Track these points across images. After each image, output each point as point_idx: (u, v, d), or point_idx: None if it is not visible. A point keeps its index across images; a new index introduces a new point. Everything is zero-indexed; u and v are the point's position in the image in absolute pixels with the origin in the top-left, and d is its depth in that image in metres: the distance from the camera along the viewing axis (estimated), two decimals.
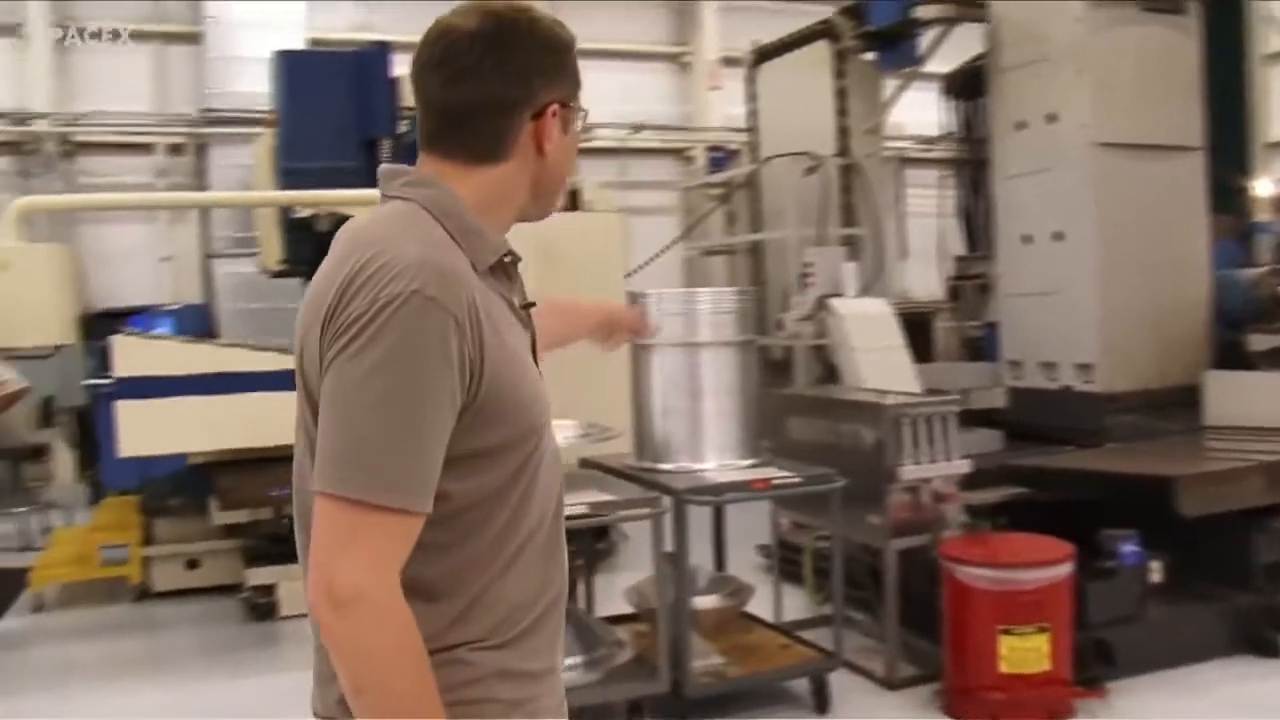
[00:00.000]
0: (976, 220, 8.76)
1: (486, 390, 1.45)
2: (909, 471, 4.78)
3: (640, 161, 12.43)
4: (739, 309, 4.85)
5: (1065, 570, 4.37)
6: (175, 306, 9.81)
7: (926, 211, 10.41)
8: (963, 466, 4.96)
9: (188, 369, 5.62)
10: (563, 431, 4.82)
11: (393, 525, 1.38)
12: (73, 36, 10.31)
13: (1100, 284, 6.90)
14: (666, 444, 4.81)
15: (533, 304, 1.69)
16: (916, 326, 10.86)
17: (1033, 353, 7.40)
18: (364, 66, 7.35)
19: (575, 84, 1.65)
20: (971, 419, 7.73)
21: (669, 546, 4.38)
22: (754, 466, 4.74)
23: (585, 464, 5.09)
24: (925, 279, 10.91)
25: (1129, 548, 4.77)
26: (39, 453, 8.52)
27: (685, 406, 4.77)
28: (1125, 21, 6.97)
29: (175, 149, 10.80)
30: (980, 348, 8.57)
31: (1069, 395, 7.06)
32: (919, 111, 9.92)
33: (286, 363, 5.95)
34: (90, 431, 7.39)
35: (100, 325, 8.52)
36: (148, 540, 6.65)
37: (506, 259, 1.60)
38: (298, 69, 7.25)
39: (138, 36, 10.81)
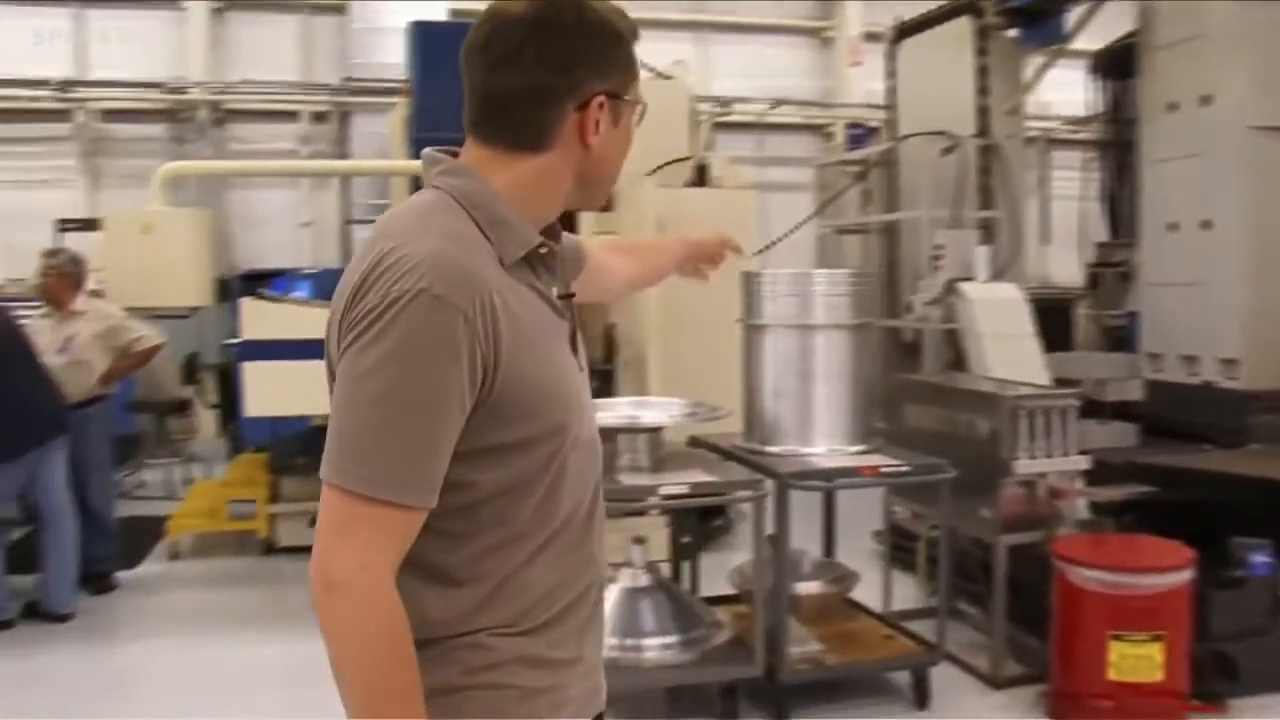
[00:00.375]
0: (1121, 205, 8.42)
1: (504, 386, 1.44)
2: (1023, 465, 4.62)
3: (779, 137, 12.28)
4: (855, 292, 4.74)
5: (1184, 577, 4.17)
6: (314, 270, 10.11)
7: (1072, 195, 10.06)
8: (1081, 462, 4.78)
9: (312, 333, 5.77)
10: (670, 409, 4.84)
11: (387, 518, 1.39)
12: (225, 7, 10.73)
13: (1249, 276, 6.55)
14: (775, 426, 4.75)
15: (572, 294, 1.68)
16: (1055, 314, 10.56)
17: (1174, 345, 7.08)
18: None
19: (628, 75, 1.59)
20: (1106, 412, 7.48)
21: (774, 530, 4.34)
22: (863, 453, 4.64)
23: (695, 442, 5.07)
24: (1067, 265, 10.55)
25: (1260, 557, 4.52)
26: (183, 408, 8.90)
27: (796, 389, 4.70)
28: None
29: (319, 117, 11.10)
30: (1122, 338, 8.25)
31: (1210, 391, 6.74)
32: (1067, 91, 9.59)
33: None
34: (229, 389, 7.70)
35: (244, 286, 8.88)
36: (274, 497, 6.89)
37: (542, 250, 1.57)
38: (431, 40, 7.35)
39: (286, 8, 11.17)
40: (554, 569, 1.57)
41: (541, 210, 1.59)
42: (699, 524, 7.09)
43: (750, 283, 4.84)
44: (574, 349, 1.63)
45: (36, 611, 5.78)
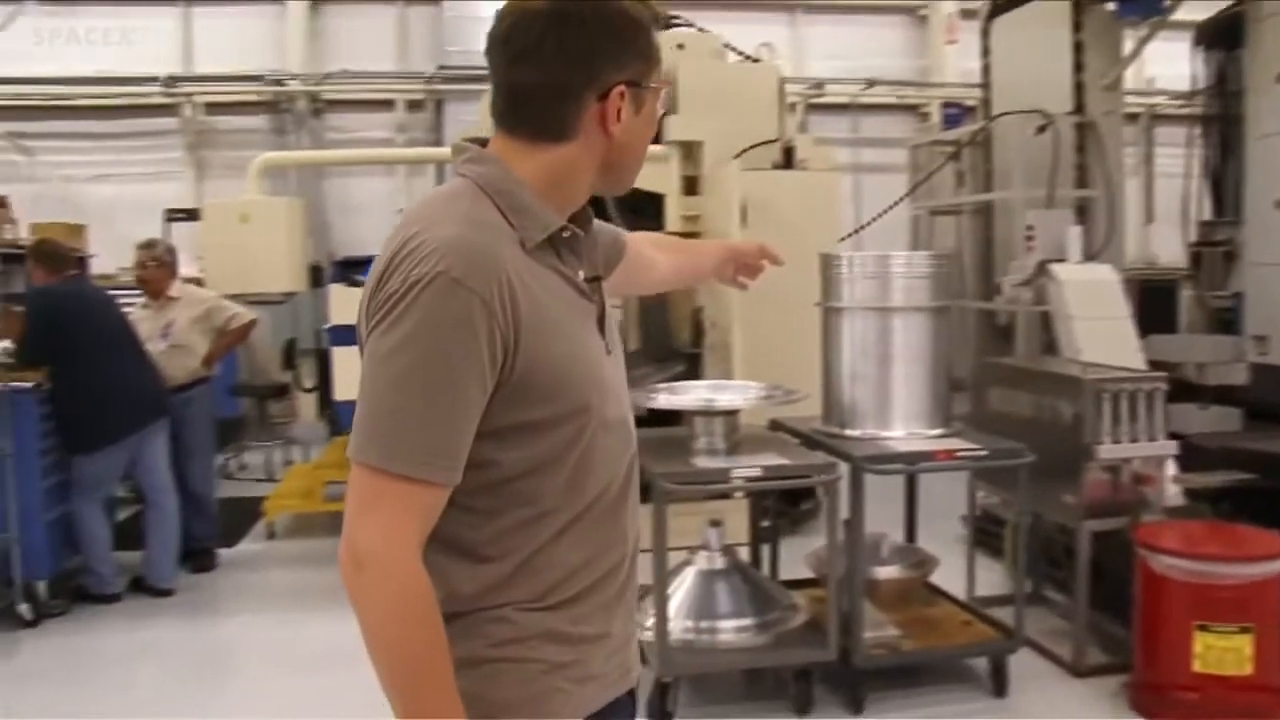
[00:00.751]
0: (1226, 182, 8.14)
1: (525, 366, 1.48)
2: (1107, 450, 4.52)
3: (873, 118, 12.12)
4: (934, 274, 4.68)
5: (1276, 567, 4.04)
6: None
7: (1177, 172, 9.73)
8: (1167, 447, 4.65)
9: None
10: (746, 392, 4.84)
11: (410, 494, 1.44)
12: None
13: None
14: (853, 409, 4.71)
15: (598, 277, 1.70)
16: (1159, 295, 10.29)
17: None
18: None
19: (648, 62, 1.61)
20: (1208, 396, 7.27)
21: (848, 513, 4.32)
22: (942, 437, 4.59)
23: (775, 425, 5.06)
24: (1171, 244, 10.25)
25: None
26: (283, 392, 9.15)
27: (874, 372, 4.66)
28: None
29: (414, 105, 11.28)
30: (1229, 320, 7.97)
31: None
32: (1173, 65, 9.29)
33: None
34: (326, 373, 7.89)
35: (340, 273, 9.09)
36: None
37: (565, 234, 1.60)
38: None
39: None
40: (580, 547, 1.61)
41: (567, 197, 1.62)
42: (788, 507, 7.11)
43: (828, 265, 4.81)
44: (602, 331, 1.66)
45: (142, 586, 6.04)
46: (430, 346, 1.42)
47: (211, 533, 6.59)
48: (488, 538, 1.55)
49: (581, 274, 1.64)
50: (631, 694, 1.79)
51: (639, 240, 2.19)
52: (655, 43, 1.62)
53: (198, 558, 6.46)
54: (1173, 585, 4.08)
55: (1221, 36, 8.07)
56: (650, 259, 2.23)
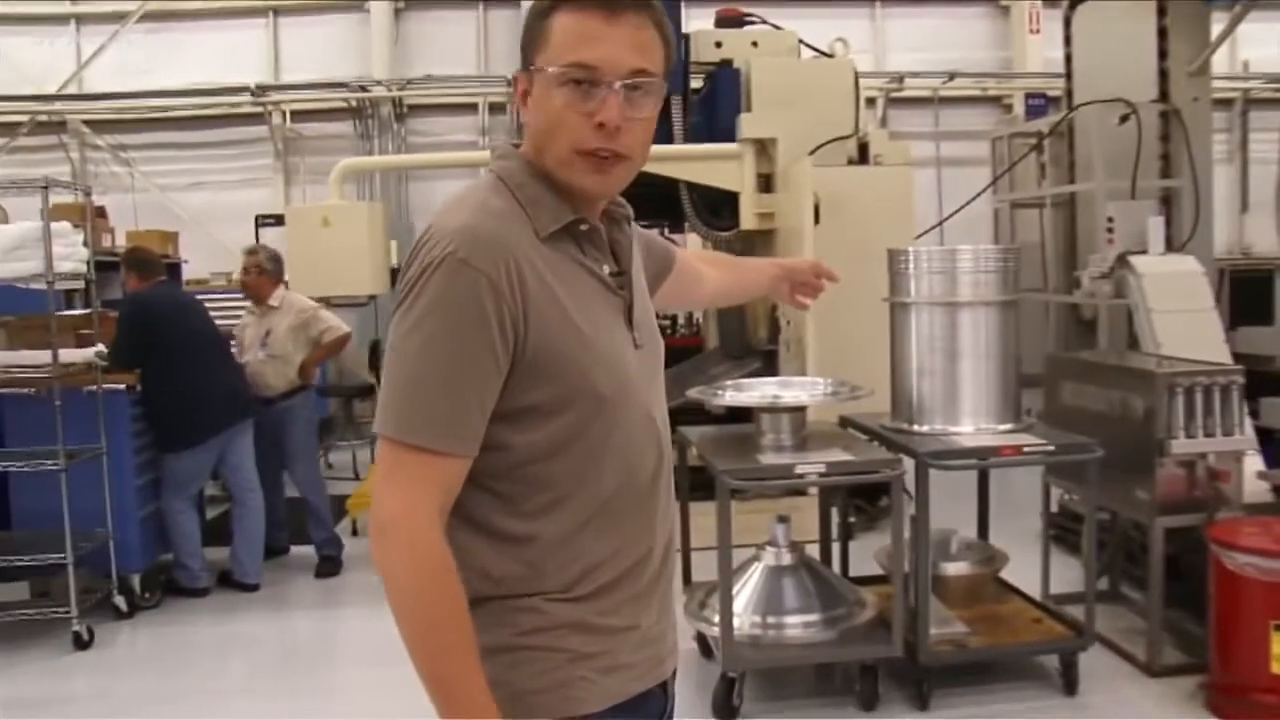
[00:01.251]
0: None
1: (534, 348, 1.55)
2: (1180, 445, 4.42)
3: (956, 111, 11.97)
4: (1002, 268, 4.64)
5: None
6: None
7: (1274, 159, 9.47)
8: (1245, 443, 4.55)
9: None
10: (812, 389, 4.85)
11: (426, 464, 1.52)
12: (406, 6, 11.20)
13: None
14: (921, 405, 4.69)
15: (621, 272, 1.73)
16: (1255, 285, 9.99)
17: None
18: None
19: (544, 45, 1.60)
20: None
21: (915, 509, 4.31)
22: (1011, 432, 4.54)
23: (844, 422, 5.06)
24: (1269, 232, 9.96)
25: None
26: (370, 392, 9.35)
27: (942, 367, 4.63)
28: None
29: (496, 108, 11.44)
30: None
31: None
32: (1268, 48, 9.04)
33: None
34: None
35: None
36: None
37: (583, 227, 1.65)
38: None
39: (463, 2, 11.55)
40: (605, 538, 1.65)
41: (558, 189, 1.65)
42: (866, 504, 7.08)
43: (896, 260, 4.79)
44: (630, 324, 1.70)
45: (229, 581, 6.24)
46: (441, 323, 1.51)
47: (328, 536, 6.65)
48: (514, 523, 1.61)
49: (606, 268, 1.70)
50: (664, 686, 1.81)
51: (689, 256, 2.26)
52: (555, 25, 1.59)
53: (321, 565, 6.56)
54: (1248, 584, 3.99)
55: None
56: (699, 273, 2.29)
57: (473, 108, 11.44)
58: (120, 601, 5.78)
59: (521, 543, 1.61)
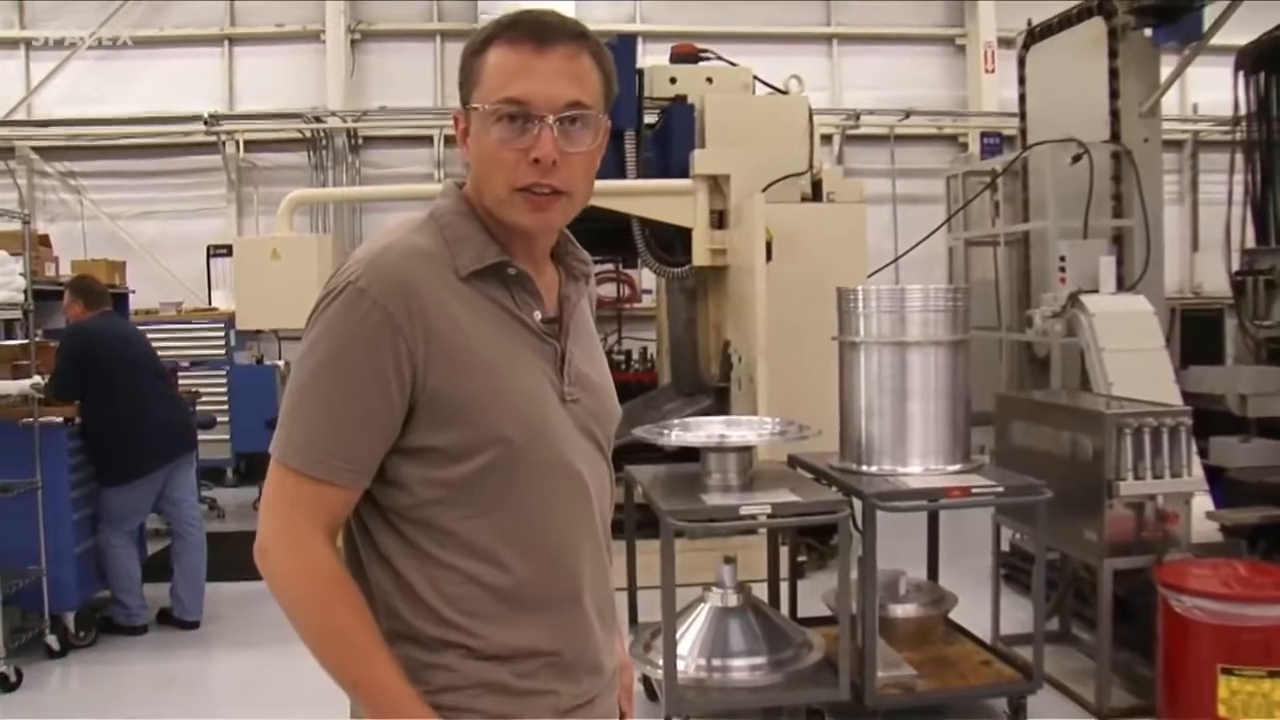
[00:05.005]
0: (1269, 209, 7.98)
1: (435, 390, 1.51)
2: (1129, 486, 4.41)
3: (912, 148, 12.04)
4: (952, 307, 4.62)
5: None
6: None
7: (1222, 199, 9.56)
8: (1193, 484, 4.54)
9: None
10: (759, 428, 4.80)
11: (305, 488, 1.51)
12: (361, 38, 11.18)
13: None
14: (869, 445, 4.66)
15: (553, 319, 1.67)
16: (1204, 324, 10.09)
17: None
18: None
19: (477, 83, 1.57)
20: (1251, 429, 7.09)
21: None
22: (960, 473, 4.51)
23: (792, 461, 5.02)
24: (1218, 273, 10.03)
25: None
26: None
27: (891, 407, 4.61)
28: None
29: (452, 140, 11.35)
30: (1279, 349, 7.79)
31: None
32: (1216, 91, 9.14)
33: None
34: None
35: None
36: None
37: (510, 271, 1.60)
38: None
39: (419, 35, 11.53)
40: (523, 600, 1.59)
41: (499, 225, 1.61)
42: (818, 543, 7.02)
43: (845, 299, 4.76)
44: (560, 375, 1.64)
45: (168, 619, 6.09)
46: (332, 351, 1.49)
47: None
48: (413, 565, 1.56)
49: (537, 314, 1.63)
50: None
51: None
52: (487, 62, 1.56)
53: None
54: (1196, 626, 3.96)
55: (1263, 61, 7.94)
56: None
57: (428, 140, 11.39)
58: (52, 641, 5.62)
59: (425, 593, 1.56)
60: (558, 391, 1.62)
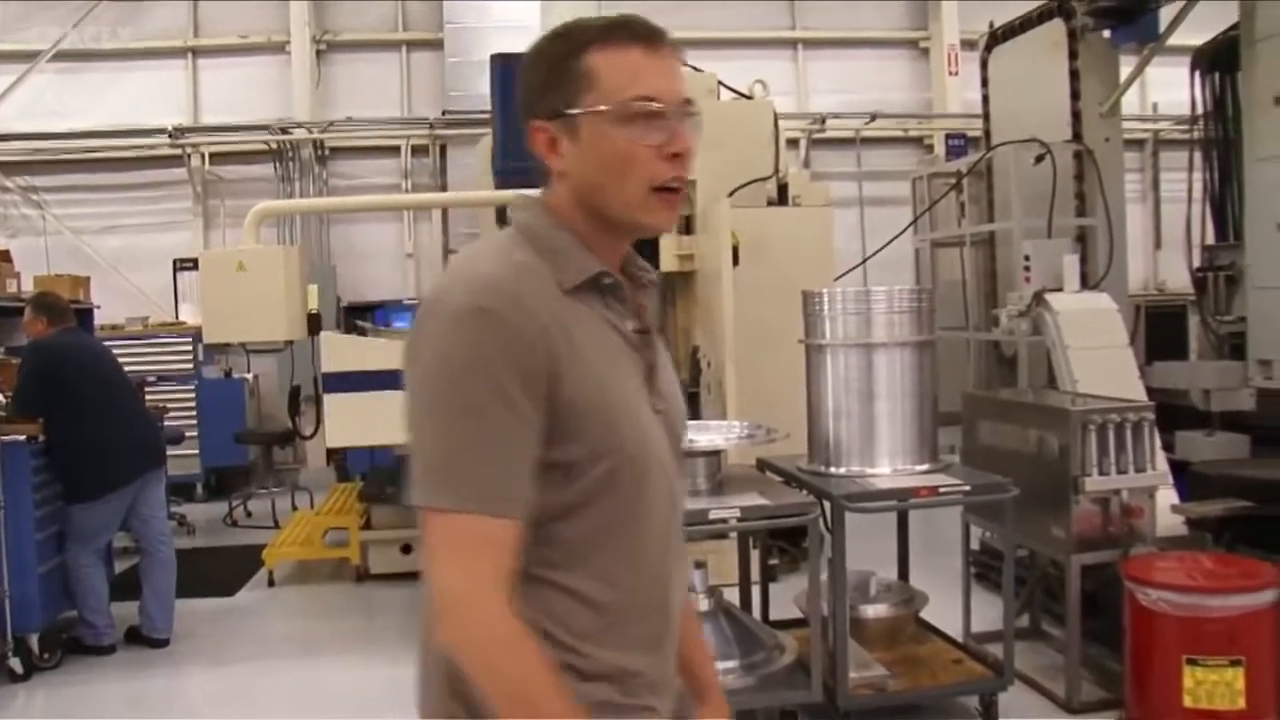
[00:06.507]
0: (1227, 206, 8.09)
1: (564, 403, 1.46)
2: (1094, 482, 4.45)
3: (878, 151, 12.10)
4: (918, 308, 4.64)
5: (1266, 598, 3.95)
6: (415, 301, 10.33)
7: (1183, 197, 9.69)
8: (1157, 478, 4.58)
9: (388, 365, 5.90)
10: (728, 432, 4.81)
11: (480, 531, 1.42)
12: (327, 49, 11.15)
13: None
14: (838, 447, 4.66)
15: (646, 330, 1.64)
16: (1168, 320, 10.19)
17: None
18: None
19: (574, 88, 1.53)
20: (1215, 423, 7.18)
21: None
22: (928, 473, 4.53)
23: (762, 465, 5.03)
24: (1181, 269, 10.16)
25: None
26: (289, 438, 9.17)
27: (858, 409, 4.61)
28: None
29: (418, 150, 11.36)
30: (1240, 345, 7.89)
31: None
32: (1175, 90, 9.24)
33: None
34: None
35: (349, 318, 9.14)
36: (366, 525, 7.04)
37: (606, 280, 1.56)
38: (511, 72, 7.43)
39: (385, 45, 11.52)
40: (627, 627, 1.58)
41: (588, 239, 1.58)
42: (790, 546, 7.03)
43: (810, 302, 4.78)
44: (650, 387, 1.61)
45: (137, 637, 6.02)
46: (470, 377, 1.42)
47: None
48: (527, 593, 1.50)
49: (630, 325, 1.60)
50: None
51: None
52: (586, 66, 1.53)
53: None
54: (1162, 619, 3.99)
55: (1219, 60, 8.06)
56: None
57: (395, 150, 11.36)
58: (15, 664, 5.54)
59: (536, 615, 1.50)
60: (648, 403, 1.60)
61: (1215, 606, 3.91)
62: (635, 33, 1.53)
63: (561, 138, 1.55)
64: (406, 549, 6.93)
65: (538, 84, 1.56)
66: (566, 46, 1.55)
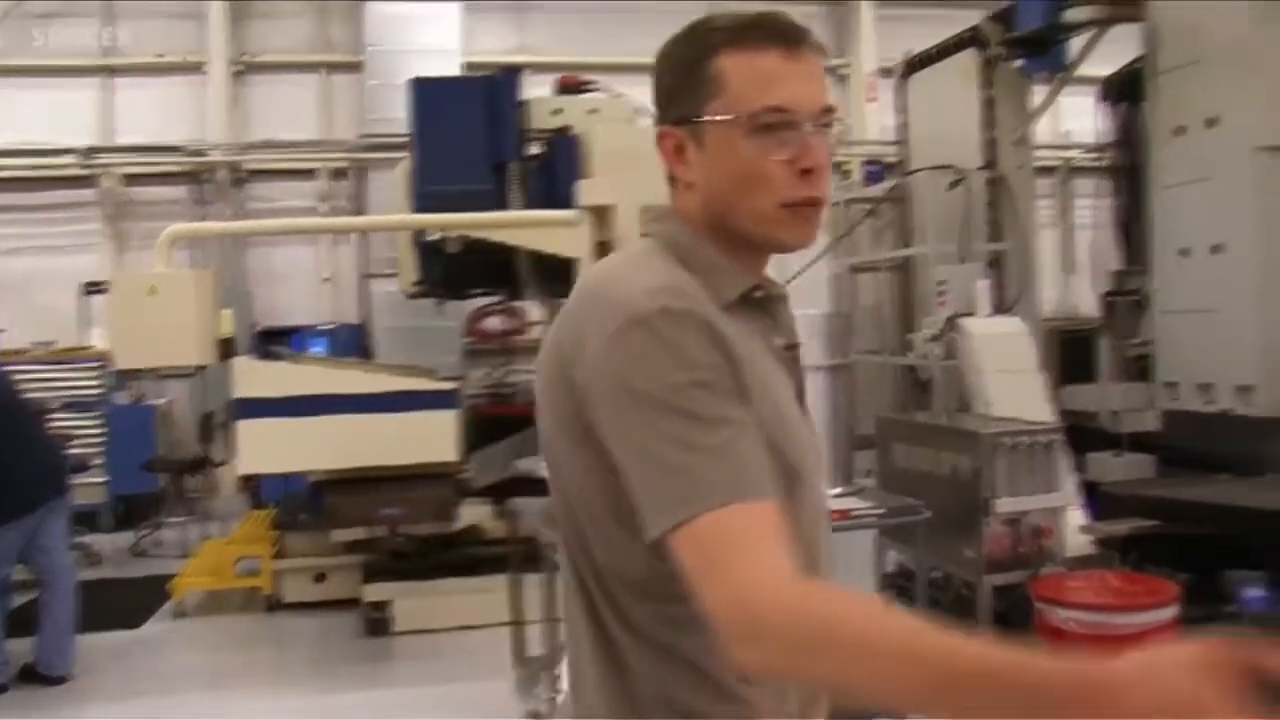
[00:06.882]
0: (1135, 232, 8.29)
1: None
2: (1004, 504, 4.51)
3: None
4: (829, 333, 4.68)
5: (1167, 614, 4.03)
6: (331, 325, 10.20)
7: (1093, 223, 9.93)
8: (1065, 498, 4.66)
9: (302, 390, 5.82)
10: None
11: (754, 518, 1.25)
12: (245, 70, 10.98)
13: (1262, 300, 6.42)
14: None
15: (796, 345, 1.56)
16: (1079, 344, 10.37)
17: (1190, 373, 6.94)
18: (493, 92, 7.45)
19: (704, 94, 1.43)
20: (1124, 444, 7.32)
21: None
22: (840, 496, 4.55)
23: None
24: (1090, 294, 10.39)
25: (1254, 591, 4.37)
26: (200, 466, 8.98)
27: None
28: None
29: (337, 174, 11.24)
30: (1147, 367, 8.08)
31: (1226, 419, 6.58)
32: (1087, 119, 9.47)
33: (394, 384, 6.04)
34: None
35: (264, 343, 8.97)
36: (279, 554, 6.90)
37: (758, 294, 1.48)
38: (430, 96, 7.41)
39: (304, 67, 11.37)
40: None
41: (728, 252, 1.48)
42: None
43: None
44: (801, 402, 1.53)
45: (32, 675, 5.80)
46: (681, 374, 1.29)
47: None
48: (686, 636, 1.37)
49: (779, 340, 1.52)
50: None
51: None
52: (714, 70, 1.43)
53: None
54: (1069, 638, 4.05)
55: (1125, 91, 8.26)
56: None
57: (313, 173, 11.21)
58: None
59: (701, 660, 1.37)
60: (806, 422, 1.52)
61: (1121, 624, 3.98)
62: (772, 33, 1.43)
63: (689, 145, 1.46)
64: (320, 577, 6.80)
65: (665, 86, 1.49)
66: (697, 47, 1.46)
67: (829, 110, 1.44)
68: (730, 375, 1.32)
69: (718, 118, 1.41)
